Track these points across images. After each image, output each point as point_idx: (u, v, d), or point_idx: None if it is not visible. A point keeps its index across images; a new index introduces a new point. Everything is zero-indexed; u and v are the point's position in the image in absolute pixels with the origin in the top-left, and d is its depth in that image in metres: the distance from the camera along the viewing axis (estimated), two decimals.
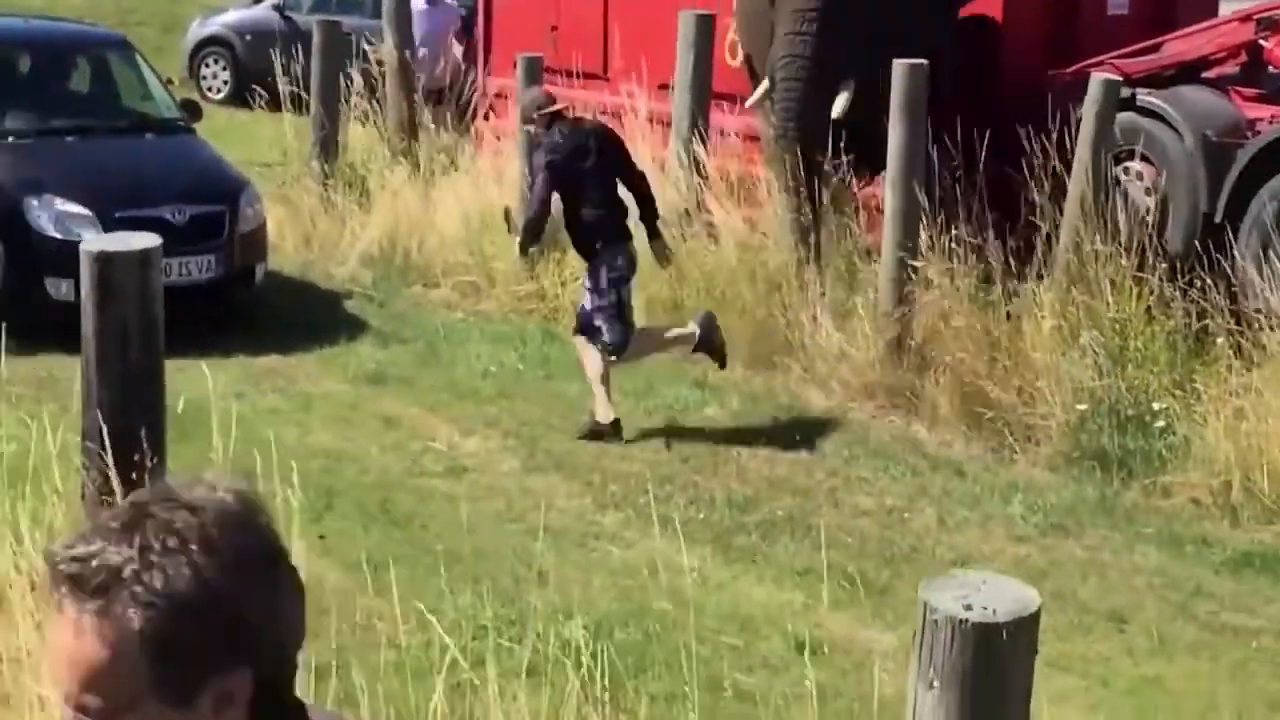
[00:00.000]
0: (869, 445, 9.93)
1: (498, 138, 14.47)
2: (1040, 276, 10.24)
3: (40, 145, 12.59)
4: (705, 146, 12.17)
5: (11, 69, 13.55)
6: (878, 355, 10.36)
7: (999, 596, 3.11)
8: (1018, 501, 9.15)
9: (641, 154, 11.78)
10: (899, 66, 10.25)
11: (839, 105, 11.12)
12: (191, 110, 13.92)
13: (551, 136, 10.12)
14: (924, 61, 10.28)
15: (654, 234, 10.49)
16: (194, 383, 6.72)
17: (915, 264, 10.28)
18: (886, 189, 10.43)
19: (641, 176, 10.46)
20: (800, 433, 10.09)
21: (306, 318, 12.54)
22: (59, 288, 11.36)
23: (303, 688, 4.96)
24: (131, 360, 4.97)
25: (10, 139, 12.53)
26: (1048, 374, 9.77)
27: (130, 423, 4.96)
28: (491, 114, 15.45)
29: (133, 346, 4.96)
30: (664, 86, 12.79)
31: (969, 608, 3.05)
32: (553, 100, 10.49)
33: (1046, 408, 9.71)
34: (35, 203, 11.81)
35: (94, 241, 5.08)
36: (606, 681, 6.08)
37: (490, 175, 13.91)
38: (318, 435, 9.98)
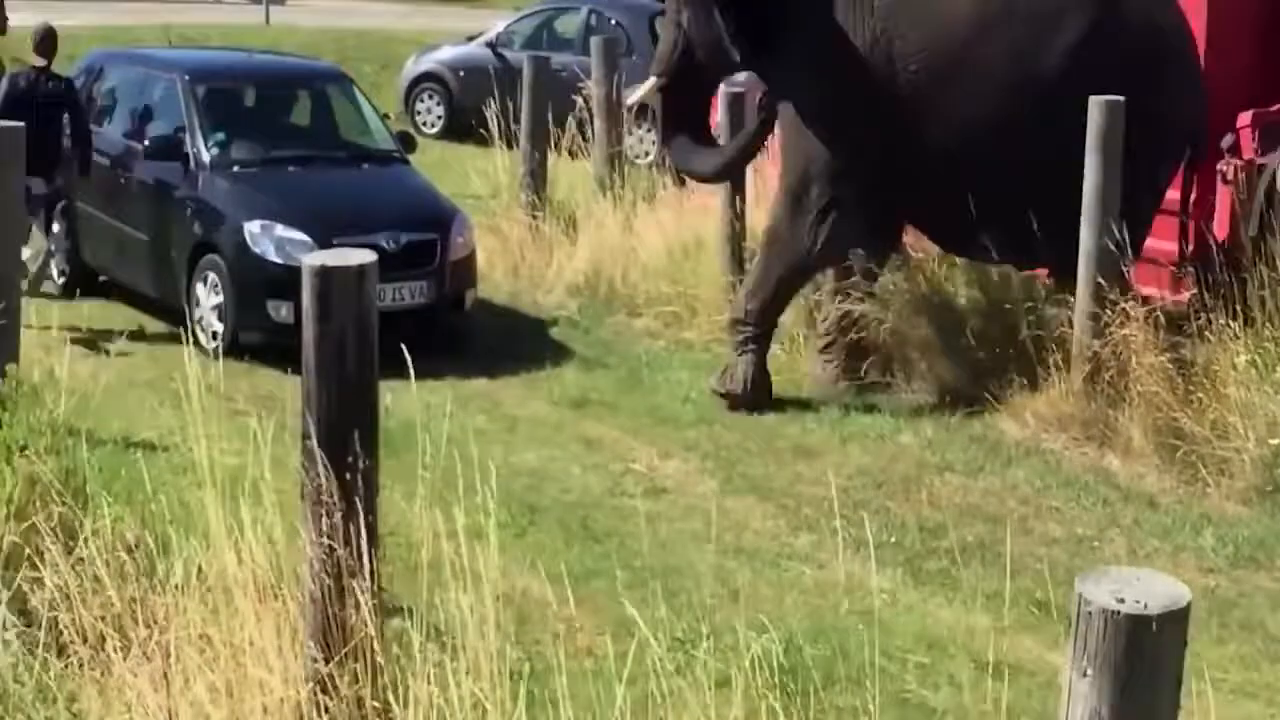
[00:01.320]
0: (1061, 475, 10.03)
1: None
2: (1236, 312, 10.26)
3: (264, 174, 13.10)
4: None
5: (238, 101, 14.11)
6: (1072, 388, 10.45)
7: (1151, 591, 3.28)
8: (1209, 533, 9.20)
9: None
10: (1095, 104, 10.32)
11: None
12: (406, 142, 14.36)
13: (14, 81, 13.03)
14: (1120, 99, 10.33)
15: (84, 166, 13.24)
16: (405, 403, 7.05)
17: (1111, 298, 10.36)
18: (1083, 226, 10.50)
19: (87, 132, 13.27)
20: (993, 462, 10.22)
21: (514, 343, 12.90)
22: (279, 310, 11.82)
23: (500, 697, 5.24)
24: (348, 369, 5.29)
25: (236, 168, 13.07)
26: (1241, 408, 9.78)
27: (345, 428, 5.27)
28: None
29: (349, 356, 5.28)
30: None
31: (1122, 600, 3.24)
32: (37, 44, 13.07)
33: (1240, 441, 9.72)
34: (258, 229, 12.30)
35: (314, 257, 5.40)
36: (794, 694, 6.29)
37: (692, 207, 14.20)
38: (522, 455, 10.30)
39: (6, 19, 18.11)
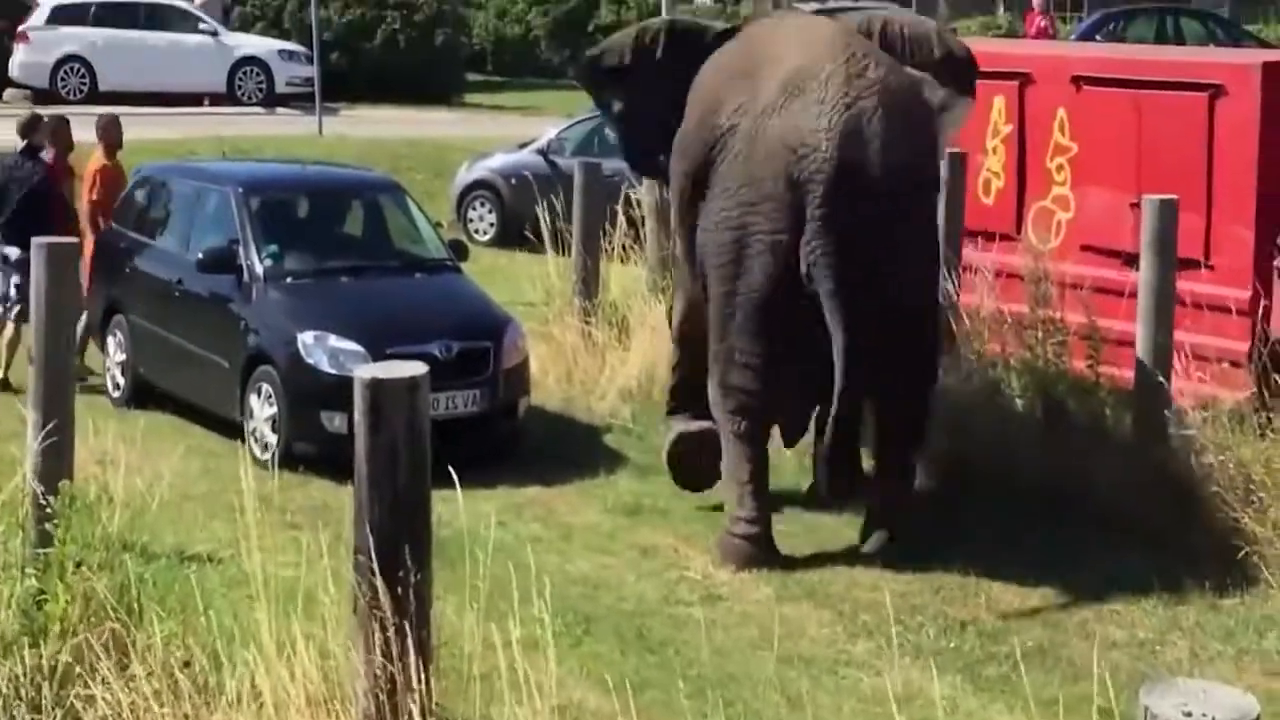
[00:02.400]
0: (1121, 577, 9.91)
1: None
2: None
3: (317, 285, 13.15)
4: (957, 283, 12.29)
5: (291, 213, 14.19)
6: (1129, 488, 10.35)
7: (1219, 704, 3.22)
8: (1273, 636, 9.08)
9: None
10: (1149, 203, 10.28)
11: None
12: (459, 251, 14.41)
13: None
14: (1174, 198, 10.29)
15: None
16: (459, 512, 7.03)
17: (1169, 400, 10.29)
18: (1139, 324, 10.44)
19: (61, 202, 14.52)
20: (1051, 565, 10.10)
21: (567, 450, 12.86)
22: (333, 421, 11.83)
23: None
24: (400, 481, 5.28)
25: (289, 279, 13.11)
26: None
27: (397, 540, 5.25)
28: None
29: (401, 468, 5.27)
30: None
31: (1189, 714, 3.17)
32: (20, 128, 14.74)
33: None
34: (311, 340, 12.32)
35: (366, 370, 5.41)
36: None
37: None
38: (577, 563, 10.26)
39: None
